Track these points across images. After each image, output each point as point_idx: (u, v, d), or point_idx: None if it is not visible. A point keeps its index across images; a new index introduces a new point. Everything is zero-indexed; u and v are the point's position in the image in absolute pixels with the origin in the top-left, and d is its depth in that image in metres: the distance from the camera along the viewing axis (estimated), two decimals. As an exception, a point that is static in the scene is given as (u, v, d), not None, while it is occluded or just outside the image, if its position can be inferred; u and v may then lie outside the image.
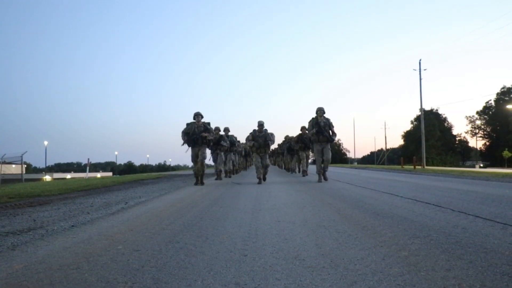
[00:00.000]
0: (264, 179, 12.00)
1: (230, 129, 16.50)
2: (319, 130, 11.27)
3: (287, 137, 21.94)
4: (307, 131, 14.52)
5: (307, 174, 15.49)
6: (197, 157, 11.28)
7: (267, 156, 12.12)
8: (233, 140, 16.60)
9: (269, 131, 12.23)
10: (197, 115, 11.27)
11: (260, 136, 11.89)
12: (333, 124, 11.50)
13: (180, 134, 11.40)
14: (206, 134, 11.06)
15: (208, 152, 12.30)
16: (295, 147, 17.01)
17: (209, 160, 14.16)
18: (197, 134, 11.04)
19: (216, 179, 14.18)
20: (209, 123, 11.54)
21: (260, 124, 12.05)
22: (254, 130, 12.16)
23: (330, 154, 11.39)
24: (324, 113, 11.48)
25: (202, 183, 11.32)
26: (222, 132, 15.38)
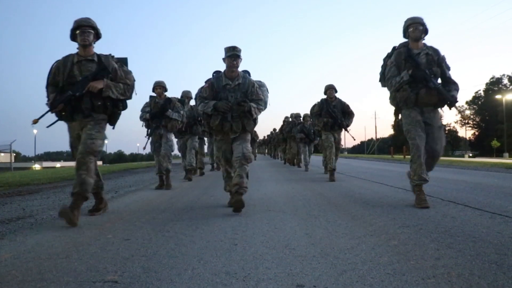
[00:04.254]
0: (239, 201, 4.20)
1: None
2: (420, 74, 4.43)
3: (286, 120, 15.90)
4: (335, 93, 8.51)
5: (334, 178, 7.98)
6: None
7: (247, 141, 4.71)
8: (194, 115, 8.92)
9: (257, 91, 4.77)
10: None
11: (232, 90, 4.64)
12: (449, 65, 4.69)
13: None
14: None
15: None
16: (316, 124, 8.99)
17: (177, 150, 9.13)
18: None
19: (157, 187, 7.25)
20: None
21: (234, 55, 4.56)
22: (215, 75, 4.86)
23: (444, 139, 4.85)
24: (426, 32, 4.62)
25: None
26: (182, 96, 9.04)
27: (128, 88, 4.26)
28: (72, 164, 3.79)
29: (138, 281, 2.07)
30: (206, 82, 4.87)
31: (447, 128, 77.40)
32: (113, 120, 4.33)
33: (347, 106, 8.51)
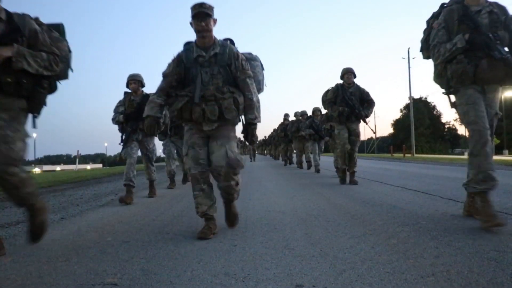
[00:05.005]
0: (232, 222, 3.45)
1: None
2: (480, 40, 3.06)
3: (287, 118, 15.44)
4: (354, 79, 7.14)
5: (356, 181, 6.97)
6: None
7: (231, 140, 3.27)
8: None
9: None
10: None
11: (207, 63, 3.21)
12: None
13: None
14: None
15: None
16: (330, 113, 7.29)
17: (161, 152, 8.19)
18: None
19: (123, 199, 5.51)
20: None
21: (201, 13, 3.10)
22: (186, 46, 3.35)
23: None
24: None
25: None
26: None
27: (56, 60, 2.81)
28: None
29: (138, 283, 2.07)
30: (175, 57, 3.36)
31: (446, 126, 76.77)
32: (34, 105, 2.79)
33: (367, 94, 7.10)
